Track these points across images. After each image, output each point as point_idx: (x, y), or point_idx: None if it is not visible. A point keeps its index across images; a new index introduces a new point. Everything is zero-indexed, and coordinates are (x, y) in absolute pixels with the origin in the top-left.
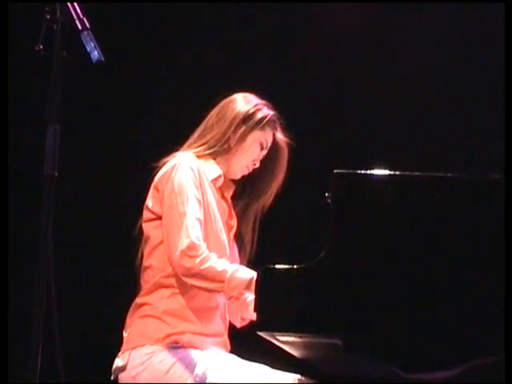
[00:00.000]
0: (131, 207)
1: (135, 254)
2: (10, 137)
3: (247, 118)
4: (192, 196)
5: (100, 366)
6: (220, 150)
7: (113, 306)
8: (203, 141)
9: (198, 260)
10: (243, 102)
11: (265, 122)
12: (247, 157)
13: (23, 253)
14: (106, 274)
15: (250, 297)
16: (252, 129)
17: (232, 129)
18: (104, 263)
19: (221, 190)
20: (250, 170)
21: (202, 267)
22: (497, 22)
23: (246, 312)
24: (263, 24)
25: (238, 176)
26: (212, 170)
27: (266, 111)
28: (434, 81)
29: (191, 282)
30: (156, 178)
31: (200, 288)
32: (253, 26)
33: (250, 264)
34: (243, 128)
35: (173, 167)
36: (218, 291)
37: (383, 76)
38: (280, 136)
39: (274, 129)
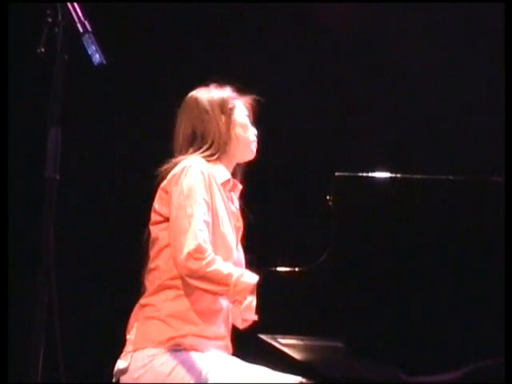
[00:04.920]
0: (132, 209)
1: (137, 256)
2: (11, 139)
3: (222, 106)
4: (201, 198)
5: (102, 367)
6: (224, 147)
7: (114, 307)
8: (205, 147)
9: (204, 262)
10: (207, 97)
11: (234, 98)
12: (245, 129)
13: (25, 254)
14: (108, 275)
15: (254, 300)
16: (232, 110)
17: (222, 123)
18: (106, 265)
19: (229, 193)
20: (256, 140)
21: (208, 270)
22: (497, 22)
23: (248, 313)
24: (265, 25)
25: (254, 151)
26: (221, 173)
27: (226, 92)
28: (434, 83)
29: (196, 283)
30: (165, 181)
31: (204, 290)
32: (254, 28)
33: (253, 267)
34: (226, 115)
35: (182, 170)
36: (223, 294)
37: (384, 78)
38: (246, 97)
39: (240, 96)
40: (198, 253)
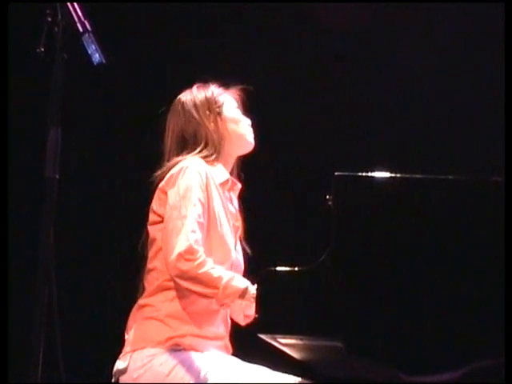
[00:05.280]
0: (132, 209)
1: (136, 256)
2: (11, 139)
3: (209, 105)
4: (196, 200)
5: (101, 367)
6: (219, 146)
7: (114, 307)
8: (199, 148)
9: (195, 263)
10: (191, 99)
11: (220, 92)
12: (238, 123)
13: (25, 254)
14: (107, 275)
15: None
16: (220, 107)
17: (210, 123)
18: (105, 265)
19: (229, 193)
20: (251, 129)
21: (199, 271)
22: (497, 21)
23: (250, 309)
24: (265, 25)
25: (251, 142)
26: (220, 173)
27: (211, 90)
28: (434, 82)
29: (185, 284)
30: (163, 181)
31: (193, 292)
32: (254, 28)
33: (252, 266)
34: (214, 113)
35: (180, 170)
36: (211, 297)
37: (384, 78)
38: (232, 89)
39: (226, 90)
40: (188, 254)
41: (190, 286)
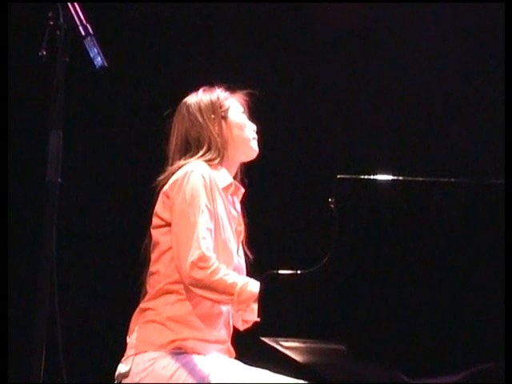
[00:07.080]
0: (134, 213)
1: (139, 259)
2: (13, 142)
3: (213, 109)
4: (203, 205)
5: (103, 368)
6: (223, 151)
7: (116, 309)
8: (201, 152)
9: (208, 271)
10: (196, 102)
11: (226, 96)
12: (243, 128)
13: (26, 258)
14: (110, 278)
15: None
16: (226, 112)
17: (215, 127)
18: (107, 268)
19: (232, 197)
20: (256, 136)
21: (213, 279)
22: (497, 22)
23: (248, 314)
24: (265, 25)
25: (255, 149)
26: (223, 177)
27: (216, 93)
28: (435, 85)
29: (200, 292)
30: (166, 185)
31: (208, 299)
32: (255, 28)
33: (254, 269)
34: (219, 117)
35: (184, 175)
36: (227, 303)
37: (385, 80)
38: (239, 93)
39: (232, 94)
40: (202, 262)
41: (205, 294)
